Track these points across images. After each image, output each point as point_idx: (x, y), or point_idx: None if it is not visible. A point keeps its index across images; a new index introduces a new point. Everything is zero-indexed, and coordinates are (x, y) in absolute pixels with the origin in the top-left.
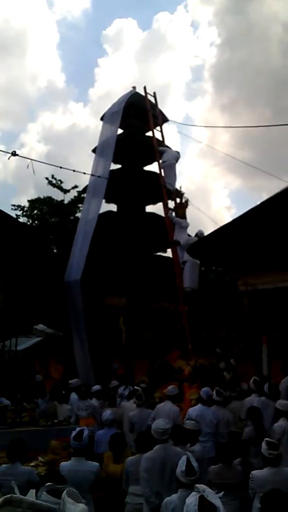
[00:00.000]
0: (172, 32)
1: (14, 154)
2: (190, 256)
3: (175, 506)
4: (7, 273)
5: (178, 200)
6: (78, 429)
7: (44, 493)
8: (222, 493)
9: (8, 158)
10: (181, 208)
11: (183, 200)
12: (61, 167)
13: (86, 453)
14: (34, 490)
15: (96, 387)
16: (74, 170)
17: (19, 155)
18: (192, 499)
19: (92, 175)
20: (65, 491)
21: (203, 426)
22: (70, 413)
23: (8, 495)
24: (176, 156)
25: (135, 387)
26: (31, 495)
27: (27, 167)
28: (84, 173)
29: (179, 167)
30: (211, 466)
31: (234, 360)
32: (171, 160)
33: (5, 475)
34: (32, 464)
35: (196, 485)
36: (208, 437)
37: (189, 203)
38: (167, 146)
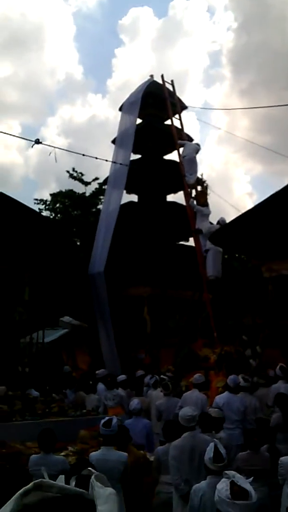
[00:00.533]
0: (188, 18)
1: (37, 142)
2: (213, 244)
3: (204, 492)
4: (32, 267)
5: (199, 188)
6: (107, 417)
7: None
8: (251, 478)
9: (32, 146)
10: (202, 196)
11: (204, 187)
12: (83, 155)
13: (115, 442)
14: (64, 476)
15: (122, 377)
16: (96, 158)
17: (42, 142)
18: (223, 485)
19: (113, 162)
20: (93, 476)
21: (231, 414)
22: (98, 403)
23: (38, 480)
24: (196, 149)
25: (161, 376)
26: (60, 480)
27: (49, 154)
28: (107, 160)
29: (199, 155)
30: (239, 453)
31: (260, 347)
32: (190, 154)
33: (38, 465)
34: (62, 454)
35: (225, 471)
36: (236, 424)
37: (209, 190)
38: (187, 136)
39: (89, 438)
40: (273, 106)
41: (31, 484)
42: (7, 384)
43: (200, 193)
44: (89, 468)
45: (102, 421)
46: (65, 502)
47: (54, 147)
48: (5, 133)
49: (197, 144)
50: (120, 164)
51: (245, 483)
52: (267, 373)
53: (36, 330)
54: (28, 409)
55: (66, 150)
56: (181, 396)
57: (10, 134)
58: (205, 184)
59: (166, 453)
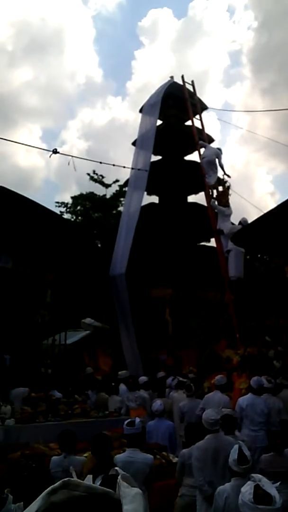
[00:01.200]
0: (208, 18)
1: (55, 152)
2: (235, 244)
3: (228, 494)
4: (54, 269)
5: (220, 188)
6: (129, 419)
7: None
8: (279, 483)
9: (50, 156)
10: (224, 196)
11: (226, 187)
12: (101, 162)
13: (140, 443)
14: (91, 475)
15: (143, 379)
16: (114, 165)
17: (60, 152)
18: (247, 488)
19: (132, 168)
20: (119, 476)
21: (254, 415)
22: (121, 404)
23: (66, 479)
24: (217, 153)
25: (182, 378)
26: (88, 480)
27: (68, 164)
28: (124, 167)
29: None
30: (263, 455)
31: (282, 348)
32: (210, 157)
33: (59, 466)
34: (84, 455)
35: (252, 474)
36: (260, 426)
37: (231, 190)
38: (208, 136)
39: (112, 439)
40: None
41: (58, 482)
42: (30, 385)
43: (221, 193)
44: (116, 468)
45: (126, 421)
46: (92, 501)
47: (72, 156)
48: (24, 144)
49: (219, 149)
50: (139, 169)
51: (270, 487)
52: None
53: (58, 332)
54: (51, 411)
55: (83, 159)
56: (203, 398)
57: (29, 145)
58: (226, 185)
59: (190, 456)
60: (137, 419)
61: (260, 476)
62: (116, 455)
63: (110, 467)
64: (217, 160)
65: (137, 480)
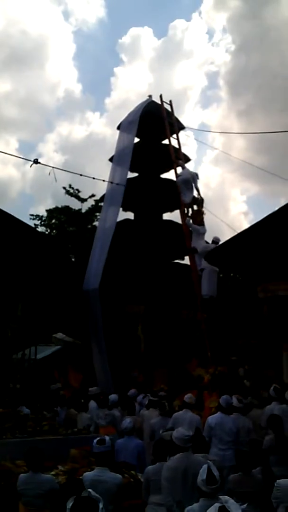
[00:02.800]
0: (188, 39)
1: (36, 162)
2: (208, 263)
3: None
4: (25, 282)
5: (195, 207)
6: (99, 437)
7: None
8: (246, 504)
9: (30, 166)
10: (199, 215)
11: (201, 207)
12: (81, 175)
13: (109, 462)
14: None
15: (114, 397)
16: (94, 178)
17: (41, 163)
18: (212, 510)
19: (111, 182)
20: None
21: (223, 434)
22: (90, 421)
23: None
24: (193, 175)
25: (152, 397)
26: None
27: (49, 174)
28: (104, 181)
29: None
30: (231, 475)
31: (248, 367)
32: (186, 175)
33: (26, 483)
34: (52, 473)
35: (220, 496)
36: (229, 445)
37: (205, 209)
38: (184, 156)
39: (80, 457)
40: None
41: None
42: None
43: (196, 212)
44: (89, 490)
45: (95, 439)
46: None
47: (53, 167)
48: (5, 153)
49: (195, 173)
50: (117, 184)
51: (236, 509)
52: (261, 394)
53: (28, 346)
54: (18, 427)
55: (65, 170)
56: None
57: (11, 154)
58: (201, 204)
59: (156, 473)
60: (107, 437)
61: (227, 497)
62: (84, 473)
63: (81, 488)
64: (193, 183)
65: (104, 499)
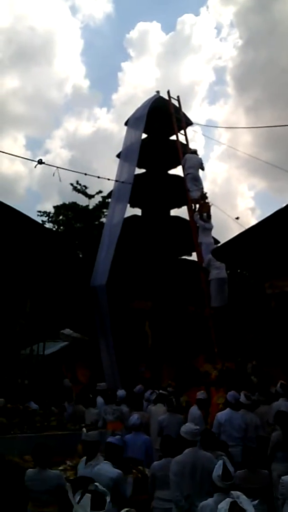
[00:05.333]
0: (196, 34)
1: (40, 162)
2: (216, 259)
3: (211, 509)
4: (34, 278)
5: (201, 201)
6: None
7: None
8: (257, 500)
9: (35, 167)
10: (205, 207)
11: (206, 200)
12: (86, 174)
13: (116, 459)
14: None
15: (122, 393)
16: (98, 177)
17: (45, 163)
18: (223, 504)
19: (116, 181)
20: None
21: (232, 431)
22: (97, 417)
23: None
24: (200, 164)
25: (161, 391)
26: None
27: (53, 175)
28: (109, 179)
29: (202, 172)
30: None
31: (255, 363)
32: (194, 172)
33: (34, 480)
34: (60, 468)
35: (231, 491)
36: (237, 441)
37: (211, 204)
38: (191, 150)
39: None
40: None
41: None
42: (6, 396)
43: (203, 205)
44: (95, 484)
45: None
46: None
47: (57, 167)
48: (10, 153)
49: (200, 159)
50: (123, 182)
51: (248, 504)
52: (268, 390)
53: (36, 342)
54: (27, 422)
55: (69, 170)
56: (181, 412)
57: (16, 155)
58: (207, 200)
59: (162, 468)
60: (141, 436)
61: (238, 493)
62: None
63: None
64: (200, 170)
65: None
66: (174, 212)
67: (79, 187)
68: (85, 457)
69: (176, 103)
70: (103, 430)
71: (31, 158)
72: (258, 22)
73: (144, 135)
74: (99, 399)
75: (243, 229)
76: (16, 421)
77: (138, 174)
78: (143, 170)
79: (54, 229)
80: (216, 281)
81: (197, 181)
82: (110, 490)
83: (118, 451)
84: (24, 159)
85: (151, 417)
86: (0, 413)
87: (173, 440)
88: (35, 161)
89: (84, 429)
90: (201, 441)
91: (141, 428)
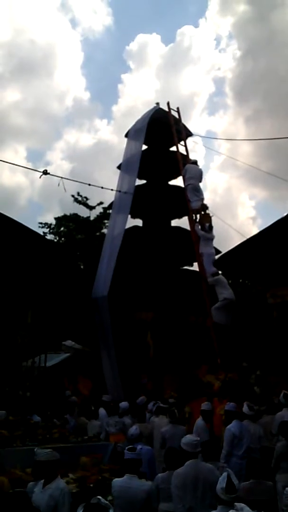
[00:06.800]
0: (196, 45)
1: (45, 173)
2: (218, 270)
3: None
4: (35, 290)
5: (202, 212)
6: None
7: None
8: None
9: (40, 177)
10: (206, 218)
11: (207, 211)
12: (90, 184)
13: (137, 469)
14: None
15: (124, 405)
16: (102, 187)
17: (50, 173)
18: None
19: (118, 191)
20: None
21: (241, 443)
22: (100, 429)
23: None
24: (200, 174)
25: (160, 404)
26: None
27: (58, 185)
28: (112, 190)
29: (203, 182)
30: (242, 483)
31: (260, 372)
32: (195, 183)
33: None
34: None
35: (235, 503)
36: (246, 453)
37: (213, 214)
38: (191, 161)
39: (91, 465)
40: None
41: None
42: (8, 408)
43: (204, 216)
44: (98, 497)
45: (127, 447)
46: None
47: (62, 177)
48: (16, 164)
49: (200, 169)
50: (125, 192)
51: None
52: (271, 400)
53: (38, 354)
54: (29, 435)
55: (74, 180)
56: (183, 423)
57: (21, 166)
58: (207, 211)
59: (166, 481)
60: (138, 446)
61: (242, 505)
62: (113, 479)
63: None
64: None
65: (133, 507)
66: (175, 222)
67: (80, 198)
68: (42, 480)
69: (176, 114)
70: (101, 443)
71: (37, 170)
72: (257, 33)
73: (144, 147)
74: (102, 411)
75: (245, 239)
76: (18, 434)
77: (138, 185)
78: (144, 181)
79: (55, 240)
80: (229, 302)
81: (198, 191)
82: (142, 503)
83: (137, 465)
84: (26, 170)
85: (154, 429)
86: (1, 425)
87: (178, 453)
88: (40, 171)
89: (36, 449)
90: (202, 452)
91: (141, 439)
